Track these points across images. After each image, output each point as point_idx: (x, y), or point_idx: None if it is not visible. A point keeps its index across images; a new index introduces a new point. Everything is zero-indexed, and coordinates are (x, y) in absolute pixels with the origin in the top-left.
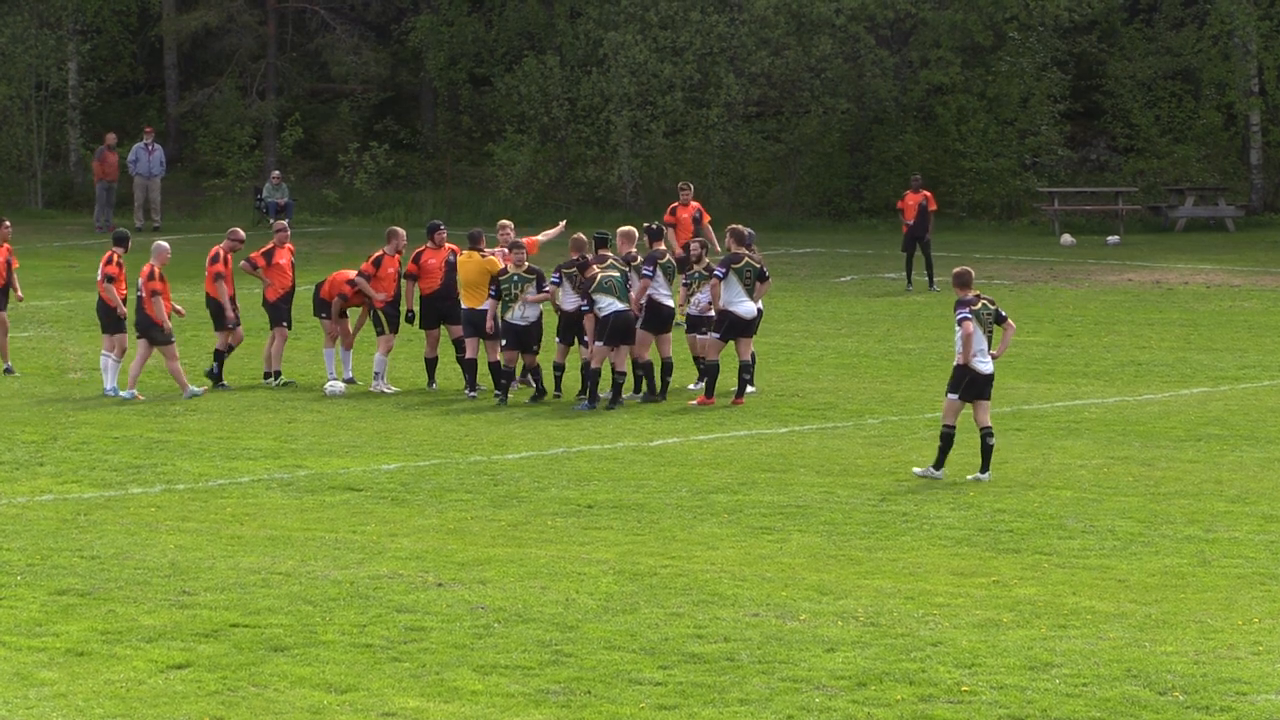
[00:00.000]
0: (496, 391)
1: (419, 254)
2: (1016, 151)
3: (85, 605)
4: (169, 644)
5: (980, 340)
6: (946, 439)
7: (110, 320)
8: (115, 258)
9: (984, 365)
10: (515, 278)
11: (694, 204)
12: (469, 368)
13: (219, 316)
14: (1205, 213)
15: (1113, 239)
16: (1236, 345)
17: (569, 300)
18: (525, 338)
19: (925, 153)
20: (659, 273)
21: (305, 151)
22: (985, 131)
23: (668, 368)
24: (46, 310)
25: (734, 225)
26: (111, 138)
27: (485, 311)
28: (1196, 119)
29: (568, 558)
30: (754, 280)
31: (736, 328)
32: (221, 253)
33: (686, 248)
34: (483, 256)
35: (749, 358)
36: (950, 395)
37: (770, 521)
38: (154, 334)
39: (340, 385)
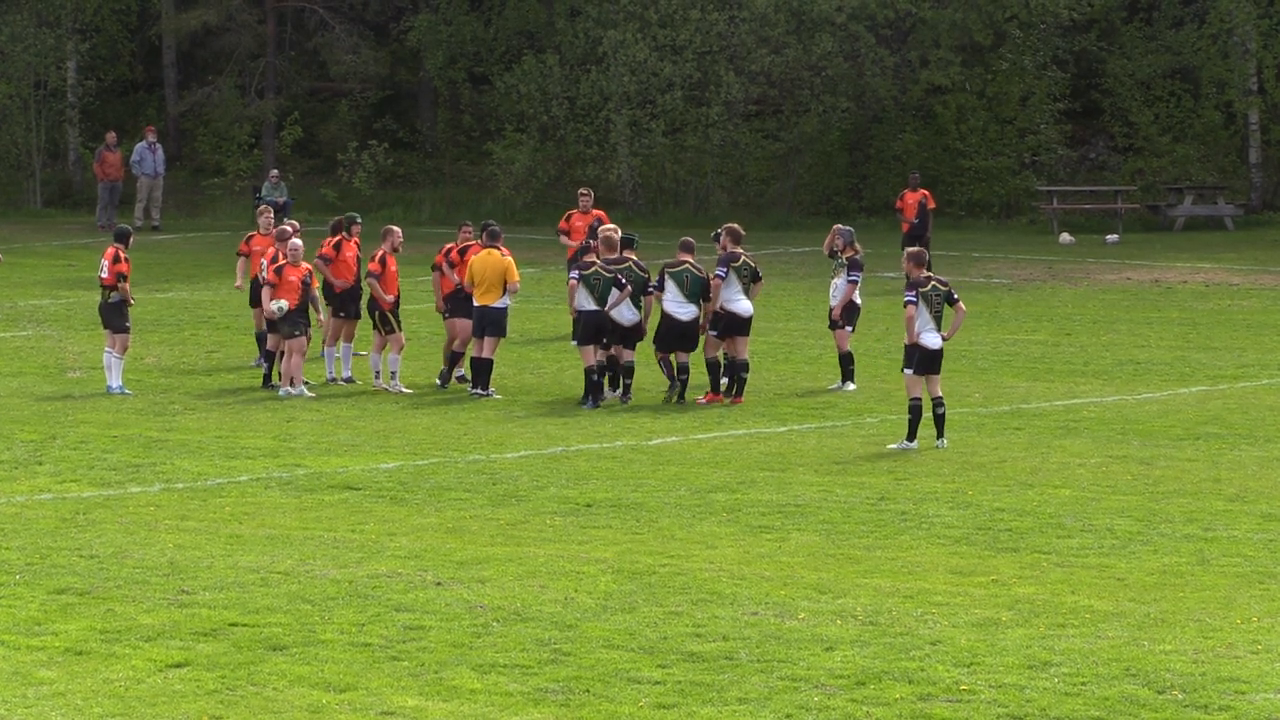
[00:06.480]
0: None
1: (464, 249)
2: (1016, 150)
3: (84, 604)
4: (168, 643)
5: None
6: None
7: (114, 318)
8: (122, 254)
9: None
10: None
11: (595, 212)
12: (480, 366)
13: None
14: (1204, 211)
15: (1112, 238)
16: (1235, 344)
17: (586, 302)
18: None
19: (924, 152)
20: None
21: (304, 150)
22: (984, 130)
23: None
24: (45, 309)
25: (730, 224)
26: (112, 137)
27: (503, 310)
28: (1196, 118)
29: (566, 556)
30: (750, 280)
31: (733, 326)
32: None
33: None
34: (501, 255)
35: (746, 356)
36: None
37: (769, 520)
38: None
39: (301, 389)
